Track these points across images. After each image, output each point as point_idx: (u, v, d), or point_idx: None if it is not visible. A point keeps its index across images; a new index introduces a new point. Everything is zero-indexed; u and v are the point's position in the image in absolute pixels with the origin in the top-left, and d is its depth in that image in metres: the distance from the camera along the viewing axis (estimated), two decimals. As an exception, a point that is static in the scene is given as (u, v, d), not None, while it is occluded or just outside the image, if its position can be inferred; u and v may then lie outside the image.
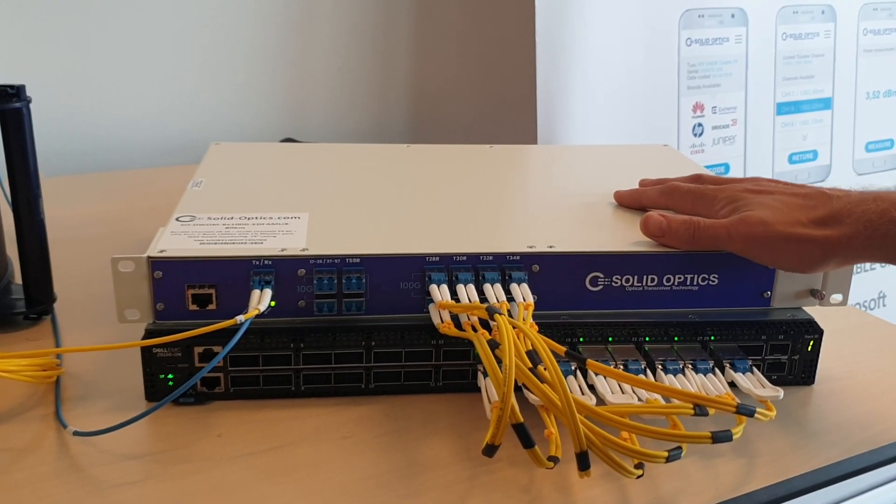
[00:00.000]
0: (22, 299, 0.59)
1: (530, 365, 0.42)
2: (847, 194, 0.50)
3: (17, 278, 0.60)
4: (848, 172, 1.26)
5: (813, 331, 0.53)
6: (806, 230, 0.48)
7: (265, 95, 1.12)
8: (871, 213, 0.47)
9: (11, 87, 0.54)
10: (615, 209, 0.59)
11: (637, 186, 0.61)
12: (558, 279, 0.52)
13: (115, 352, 0.53)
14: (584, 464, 0.40)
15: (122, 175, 1.01)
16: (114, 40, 1.02)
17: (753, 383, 0.49)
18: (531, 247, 0.51)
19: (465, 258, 0.51)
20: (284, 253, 0.49)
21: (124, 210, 0.86)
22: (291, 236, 0.52)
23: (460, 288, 0.49)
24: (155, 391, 0.49)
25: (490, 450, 0.40)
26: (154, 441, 0.47)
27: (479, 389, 0.48)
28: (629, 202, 0.60)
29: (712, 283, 0.53)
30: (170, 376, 0.49)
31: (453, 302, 0.48)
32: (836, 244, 0.48)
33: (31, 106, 0.56)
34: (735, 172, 1.15)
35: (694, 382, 0.48)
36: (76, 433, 0.46)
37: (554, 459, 0.41)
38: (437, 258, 0.50)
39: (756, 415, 0.44)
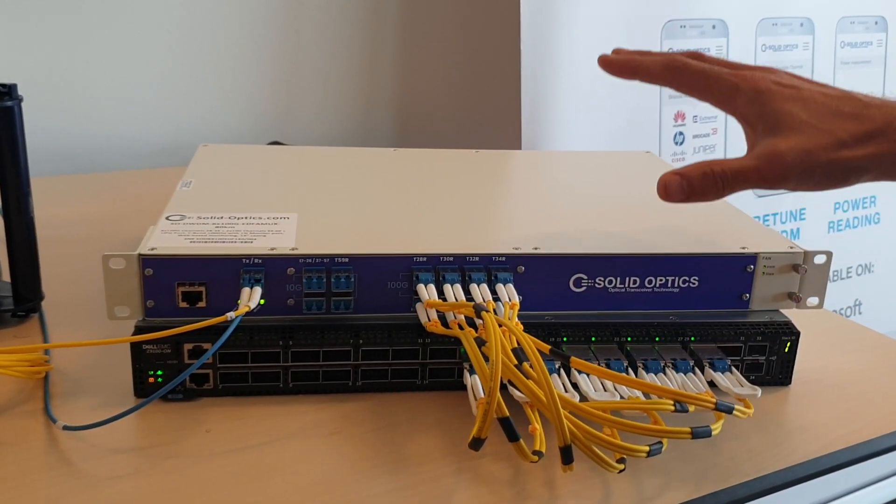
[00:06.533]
0: (10, 297, 0.60)
1: (516, 362, 0.43)
2: (885, 104, 0.45)
3: (6, 276, 0.61)
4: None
5: (790, 332, 0.54)
6: (848, 152, 0.44)
7: (252, 99, 1.13)
8: None
9: (3, 85, 0.55)
10: (599, 212, 0.61)
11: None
12: (543, 280, 0.53)
13: (104, 349, 0.53)
14: (567, 458, 0.40)
15: (108, 176, 1.01)
16: (103, 42, 1.02)
17: (732, 382, 0.50)
18: (516, 248, 0.53)
19: (451, 259, 0.52)
20: (274, 252, 0.50)
21: (111, 211, 0.86)
22: (281, 236, 0.52)
23: (447, 288, 0.50)
24: (144, 387, 0.50)
25: (476, 443, 0.40)
26: (143, 436, 0.47)
27: (464, 387, 0.49)
28: (621, 72, 0.52)
29: (692, 286, 0.54)
30: (159, 373, 0.50)
31: (440, 301, 0.49)
32: (876, 160, 0.44)
33: (21, 108, 0.56)
34: (715, 181, 1.17)
35: (674, 381, 0.50)
36: (65, 428, 0.46)
37: (538, 454, 0.42)
38: (425, 258, 0.51)
39: (735, 412, 0.45)
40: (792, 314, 0.56)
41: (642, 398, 0.46)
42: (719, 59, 0.52)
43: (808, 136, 0.45)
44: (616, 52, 0.54)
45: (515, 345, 0.44)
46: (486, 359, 0.43)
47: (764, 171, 0.46)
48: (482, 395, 0.43)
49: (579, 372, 0.48)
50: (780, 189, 0.47)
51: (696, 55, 0.52)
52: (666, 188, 0.48)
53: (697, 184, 0.47)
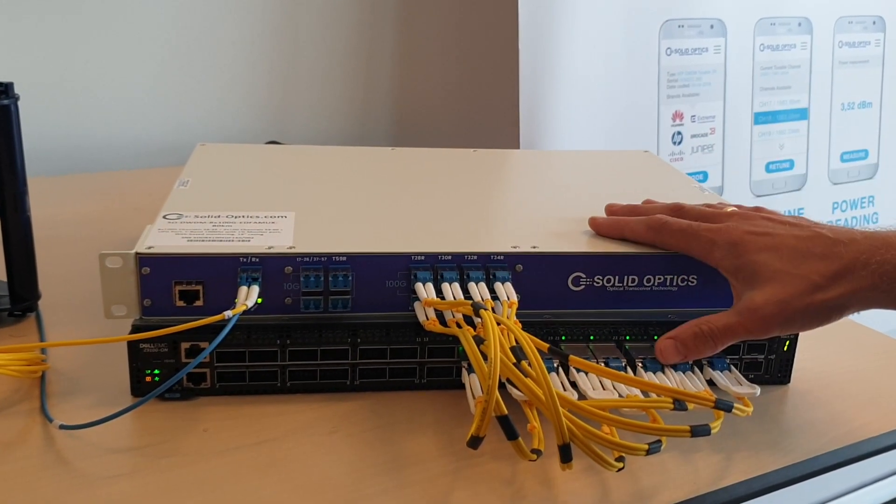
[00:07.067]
0: (6, 296, 0.59)
1: (514, 360, 0.43)
2: (853, 240, 0.47)
3: (2, 275, 0.60)
4: (823, 182, 1.28)
5: (789, 331, 0.54)
6: (822, 295, 0.46)
7: (250, 99, 1.13)
8: (888, 265, 0.45)
9: (0, 84, 0.55)
10: (597, 211, 0.60)
11: (618, 199, 0.60)
12: (541, 279, 0.53)
13: (101, 348, 0.53)
14: (566, 456, 0.40)
15: (106, 176, 1.01)
16: (102, 43, 1.02)
17: (731, 381, 0.50)
18: (515, 247, 0.52)
19: (450, 257, 0.51)
20: (272, 250, 0.50)
21: (108, 211, 0.86)
22: (278, 234, 0.52)
23: (445, 286, 0.50)
24: (141, 386, 0.49)
25: (475, 441, 0.40)
26: (140, 435, 0.47)
27: (463, 386, 0.49)
28: (609, 232, 0.55)
29: (691, 284, 0.54)
30: (156, 372, 0.49)
31: (439, 299, 0.49)
32: (852, 298, 0.46)
33: (18, 106, 0.56)
34: (713, 181, 1.17)
35: (673, 379, 0.49)
36: (62, 427, 0.46)
37: (537, 452, 0.42)
38: (423, 257, 0.51)
39: (734, 410, 0.45)
40: (791, 313, 0.56)
41: (641, 396, 0.46)
42: (700, 210, 0.54)
43: (783, 285, 0.46)
44: (608, 209, 0.58)
45: (514, 343, 0.44)
46: (485, 357, 0.43)
47: (748, 326, 0.47)
48: (481, 393, 0.42)
49: (578, 370, 0.48)
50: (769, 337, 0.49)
51: (677, 209, 0.55)
52: (662, 353, 0.50)
53: (691, 345, 0.49)
